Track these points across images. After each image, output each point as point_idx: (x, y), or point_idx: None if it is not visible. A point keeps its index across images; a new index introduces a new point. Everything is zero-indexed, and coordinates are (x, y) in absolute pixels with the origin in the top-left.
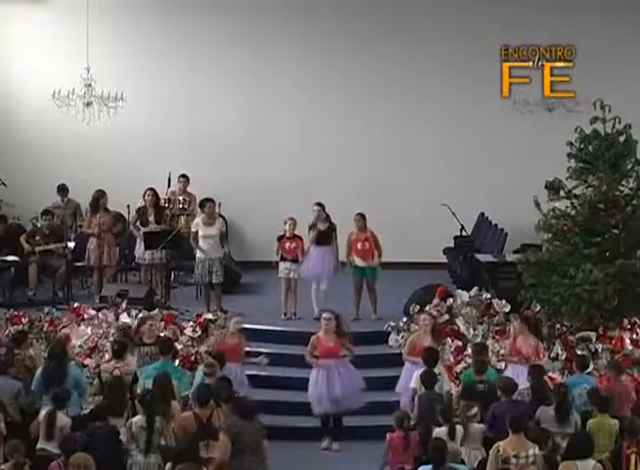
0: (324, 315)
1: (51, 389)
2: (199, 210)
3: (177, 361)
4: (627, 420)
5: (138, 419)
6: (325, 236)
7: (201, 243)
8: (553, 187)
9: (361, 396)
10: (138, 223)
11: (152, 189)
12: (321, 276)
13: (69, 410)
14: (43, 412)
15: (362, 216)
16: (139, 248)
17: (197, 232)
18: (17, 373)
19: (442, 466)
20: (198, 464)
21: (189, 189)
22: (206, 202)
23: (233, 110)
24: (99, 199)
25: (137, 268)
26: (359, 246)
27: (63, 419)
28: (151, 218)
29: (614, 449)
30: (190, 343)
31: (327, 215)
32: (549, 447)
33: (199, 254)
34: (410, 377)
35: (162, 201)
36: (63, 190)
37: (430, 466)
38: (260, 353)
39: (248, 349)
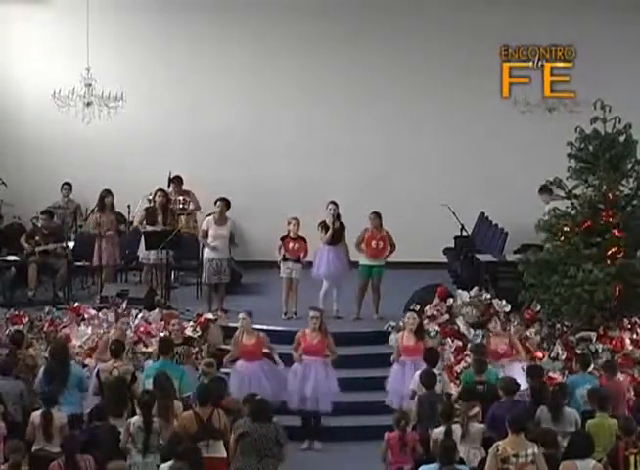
0: (312, 314)
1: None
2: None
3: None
4: (623, 419)
5: (136, 420)
6: (337, 235)
7: (211, 242)
8: (547, 189)
9: (331, 400)
10: (145, 223)
11: (162, 190)
12: (337, 276)
13: (71, 409)
14: (36, 414)
15: (378, 215)
16: (143, 247)
17: (207, 230)
18: (18, 372)
19: (450, 466)
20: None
21: (187, 186)
22: (219, 201)
23: (233, 110)
24: (104, 198)
25: (137, 268)
26: (373, 244)
27: (59, 417)
28: (159, 219)
29: (610, 449)
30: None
31: (338, 215)
32: (556, 447)
33: (207, 253)
34: (398, 376)
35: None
36: (67, 187)
37: (431, 466)
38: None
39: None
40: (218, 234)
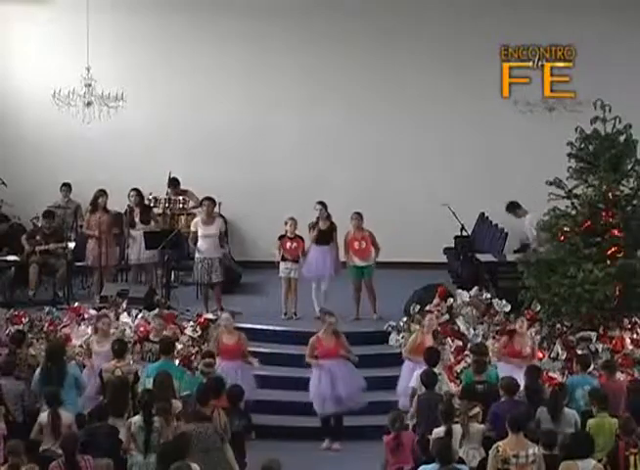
0: (329, 320)
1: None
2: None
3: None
4: (623, 419)
5: (137, 419)
6: (325, 235)
7: (200, 242)
8: (513, 206)
9: (361, 395)
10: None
11: (135, 189)
12: (322, 276)
13: (68, 408)
14: (44, 414)
15: (359, 215)
16: (129, 248)
17: (196, 231)
18: (20, 372)
19: (449, 465)
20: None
21: (187, 186)
22: (205, 200)
23: (233, 109)
24: (98, 198)
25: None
26: (356, 245)
27: (66, 416)
28: (137, 219)
29: (610, 449)
30: (190, 343)
31: (328, 215)
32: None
33: (197, 253)
34: (411, 377)
35: (163, 201)
36: (66, 187)
37: (431, 465)
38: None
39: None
40: (206, 233)
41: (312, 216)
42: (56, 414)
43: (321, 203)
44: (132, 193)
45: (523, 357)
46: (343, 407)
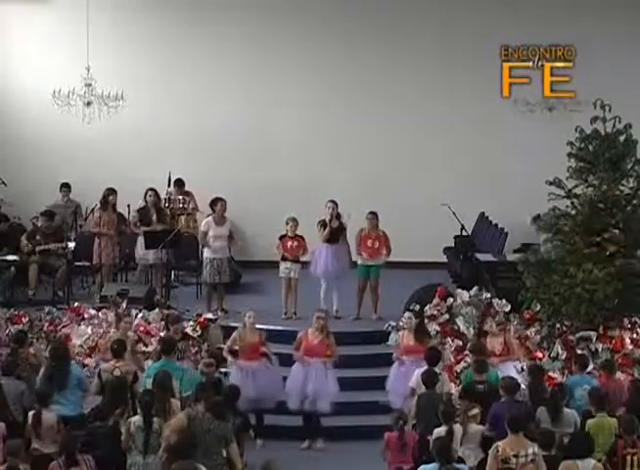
0: (317, 314)
1: (55, 389)
2: (209, 209)
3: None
4: (625, 418)
5: (136, 419)
6: (336, 234)
7: (212, 242)
8: (540, 222)
9: (330, 400)
10: (139, 224)
11: (153, 189)
12: (335, 275)
13: (71, 409)
14: (30, 413)
15: (375, 215)
16: (140, 248)
17: (207, 232)
18: (21, 372)
19: (450, 465)
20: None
21: (187, 186)
22: (218, 201)
23: (234, 109)
24: (108, 196)
25: (135, 268)
26: (369, 243)
27: (48, 418)
28: (154, 218)
29: (609, 449)
30: (190, 343)
31: (338, 214)
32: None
33: (207, 253)
34: (398, 376)
35: (163, 201)
36: (66, 188)
37: (430, 465)
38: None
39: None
40: (219, 234)
41: (312, 216)
42: (37, 415)
43: (333, 201)
44: (150, 193)
45: (496, 356)
46: (307, 408)
